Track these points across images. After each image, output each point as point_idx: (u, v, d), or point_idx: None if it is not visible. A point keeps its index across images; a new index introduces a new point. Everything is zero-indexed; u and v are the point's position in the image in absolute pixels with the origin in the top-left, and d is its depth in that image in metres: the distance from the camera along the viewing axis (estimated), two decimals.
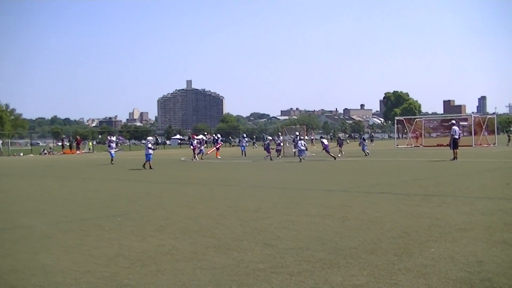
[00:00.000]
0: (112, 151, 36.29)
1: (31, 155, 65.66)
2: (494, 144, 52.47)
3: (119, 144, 34.05)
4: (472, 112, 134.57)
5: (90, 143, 78.79)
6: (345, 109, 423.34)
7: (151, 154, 29.56)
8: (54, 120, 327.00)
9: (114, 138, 39.74)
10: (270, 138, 39.98)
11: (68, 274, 6.93)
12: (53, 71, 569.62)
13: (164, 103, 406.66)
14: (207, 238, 8.92)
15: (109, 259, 7.70)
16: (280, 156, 38.75)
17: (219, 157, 40.99)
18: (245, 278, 6.43)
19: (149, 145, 30.04)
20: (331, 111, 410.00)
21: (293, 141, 40.68)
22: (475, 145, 50.24)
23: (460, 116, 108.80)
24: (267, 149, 37.81)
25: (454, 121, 33.24)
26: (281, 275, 6.50)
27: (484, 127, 56.58)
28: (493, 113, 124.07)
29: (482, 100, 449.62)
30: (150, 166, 29.04)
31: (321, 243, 8.20)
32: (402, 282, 6.02)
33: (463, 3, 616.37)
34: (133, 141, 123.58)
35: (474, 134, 53.72)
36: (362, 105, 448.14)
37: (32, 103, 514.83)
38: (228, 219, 10.95)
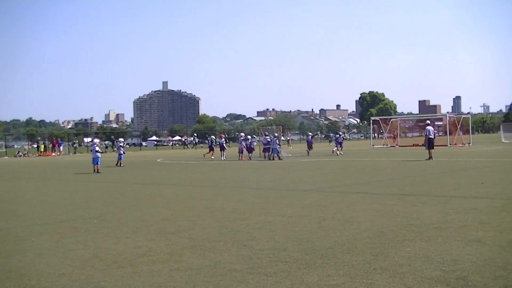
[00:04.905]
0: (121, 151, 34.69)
1: (6, 157, 64.72)
2: (469, 143, 53.01)
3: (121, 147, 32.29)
4: (447, 112, 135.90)
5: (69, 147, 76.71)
6: (321, 109, 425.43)
7: (99, 157, 28.73)
8: (29, 122, 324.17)
9: (122, 139, 38.79)
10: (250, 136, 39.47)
11: (43, 277, 6.87)
12: (27, 73, 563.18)
13: (140, 104, 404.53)
14: (183, 240, 8.90)
15: (84, 261, 7.64)
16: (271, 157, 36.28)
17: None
18: (221, 279, 6.42)
19: (97, 148, 29.32)
20: (307, 112, 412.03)
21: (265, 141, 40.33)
22: (450, 144, 50.72)
23: (436, 116, 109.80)
24: (248, 149, 37.30)
25: (428, 121, 33.47)
26: (258, 275, 6.50)
27: (459, 127, 57.07)
28: (468, 113, 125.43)
29: (457, 100, 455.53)
30: (98, 170, 28.09)
31: (298, 244, 8.22)
32: (378, 282, 6.06)
33: (438, 3, 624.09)
34: (108, 142, 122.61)
35: (449, 133, 54.18)
36: (338, 106, 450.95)
37: (7, 105, 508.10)
38: (204, 220, 10.93)
